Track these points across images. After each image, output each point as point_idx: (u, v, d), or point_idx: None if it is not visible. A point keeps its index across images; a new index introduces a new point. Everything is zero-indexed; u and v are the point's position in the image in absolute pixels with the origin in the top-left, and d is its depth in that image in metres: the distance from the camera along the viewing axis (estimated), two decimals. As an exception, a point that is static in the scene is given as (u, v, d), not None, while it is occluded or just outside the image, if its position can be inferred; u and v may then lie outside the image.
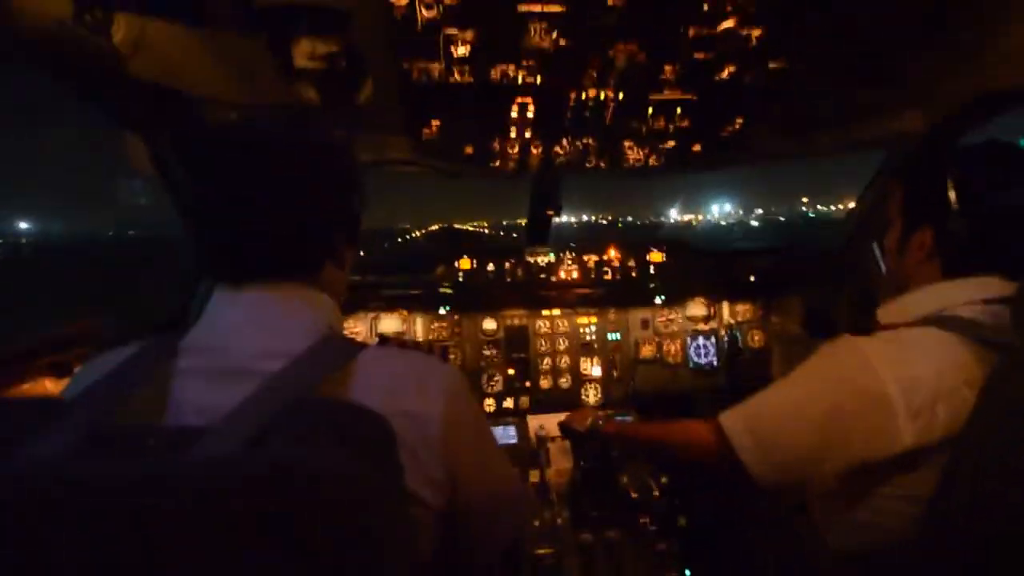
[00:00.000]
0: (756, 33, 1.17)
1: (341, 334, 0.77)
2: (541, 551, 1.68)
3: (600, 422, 1.63)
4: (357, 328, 2.25)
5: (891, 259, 1.17)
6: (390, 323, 2.25)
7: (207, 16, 1.03)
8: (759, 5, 1.08)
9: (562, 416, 1.86)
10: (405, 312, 2.26)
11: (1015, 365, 0.80)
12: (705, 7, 1.09)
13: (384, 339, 1.96)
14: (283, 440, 0.57)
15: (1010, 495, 0.73)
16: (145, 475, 0.53)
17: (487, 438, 0.86)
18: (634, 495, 1.74)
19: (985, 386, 0.86)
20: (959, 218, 1.02)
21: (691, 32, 1.17)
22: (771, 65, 1.29)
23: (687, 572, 1.71)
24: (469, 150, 1.62)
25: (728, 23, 1.14)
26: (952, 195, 1.02)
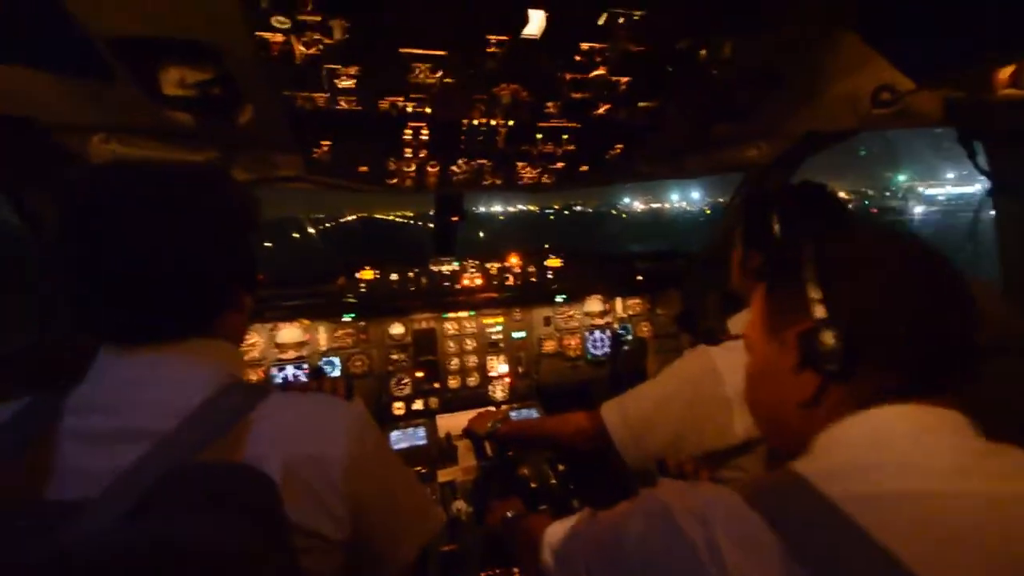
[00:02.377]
0: (624, 80, 1.29)
1: (242, 382, 0.74)
2: (446, 548, 1.81)
3: (498, 425, 1.77)
4: (254, 340, 2.17)
5: (736, 277, 1.38)
6: (290, 333, 2.19)
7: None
8: (625, 58, 1.19)
9: (471, 414, 2.00)
10: (306, 321, 2.21)
11: None
12: (577, 57, 1.18)
13: (286, 383, 1.90)
14: (162, 511, 0.56)
15: None
16: (13, 564, 0.52)
17: (391, 469, 0.86)
18: (533, 485, 1.92)
19: None
20: (780, 249, 1.23)
21: (567, 77, 1.26)
22: (640, 104, 1.43)
23: None
24: (363, 169, 1.61)
25: (599, 71, 1.25)
26: (776, 228, 1.23)
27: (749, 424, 1.14)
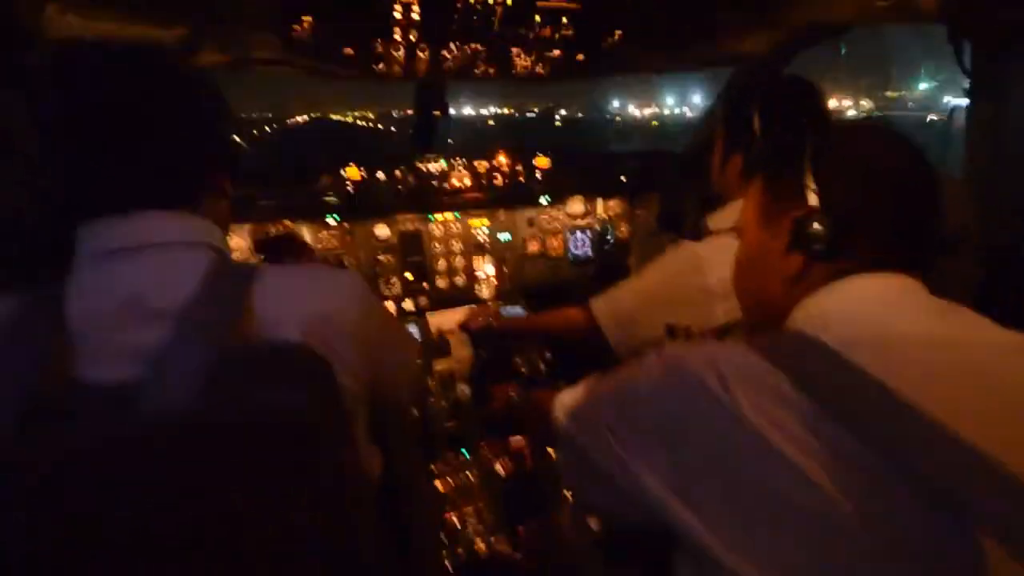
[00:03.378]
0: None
1: (229, 256, 0.76)
2: (449, 424, 2.00)
3: (492, 320, 1.88)
4: (234, 241, 2.11)
5: (715, 176, 1.41)
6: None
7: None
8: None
9: (460, 311, 2.10)
10: (289, 223, 2.15)
11: None
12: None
13: (268, 248, 1.87)
14: (235, 387, 0.59)
15: None
16: (110, 440, 0.56)
17: (389, 320, 1.02)
18: (524, 370, 2.10)
19: None
20: (761, 146, 1.27)
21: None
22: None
23: None
24: (349, 51, 1.49)
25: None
26: (756, 126, 1.26)
27: (729, 308, 1.26)
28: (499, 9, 1.42)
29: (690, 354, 0.63)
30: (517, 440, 1.99)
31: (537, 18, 1.48)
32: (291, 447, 0.61)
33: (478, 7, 1.39)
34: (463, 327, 1.94)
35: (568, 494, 1.84)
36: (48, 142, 0.68)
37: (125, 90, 0.67)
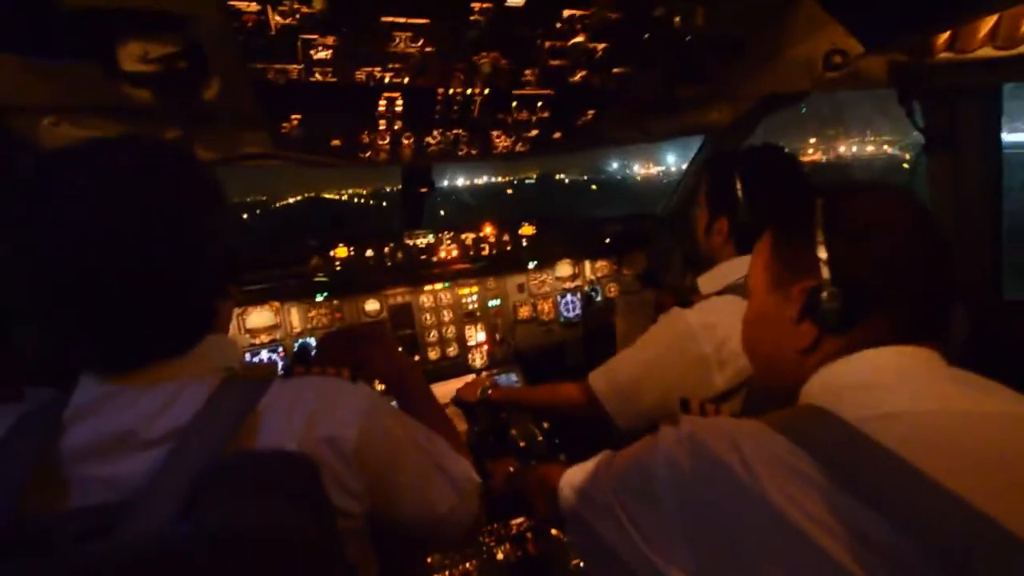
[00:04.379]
0: (601, 46, 1.31)
1: (241, 374, 0.71)
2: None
3: (488, 391, 1.84)
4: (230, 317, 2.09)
5: (701, 239, 1.46)
6: (261, 317, 2.12)
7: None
8: (604, 25, 1.21)
9: (453, 383, 2.06)
10: (277, 304, 2.15)
11: None
12: (558, 25, 1.19)
13: (296, 362, 1.84)
14: (212, 505, 0.57)
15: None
16: (79, 568, 0.52)
17: (409, 442, 0.84)
18: (522, 444, 2.03)
19: None
20: (745, 210, 1.32)
21: (547, 44, 1.26)
22: (614, 70, 1.46)
23: None
24: (336, 143, 1.55)
25: (578, 38, 1.26)
26: (739, 192, 1.32)
27: (727, 376, 1.25)
28: (478, 99, 1.50)
29: (705, 432, 0.61)
30: (518, 522, 1.89)
31: (514, 104, 1.57)
32: (272, 563, 0.57)
33: (458, 98, 1.47)
34: (456, 401, 1.90)
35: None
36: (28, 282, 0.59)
37: (119, 217, 0.59)
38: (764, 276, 0.77)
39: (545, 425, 2.11)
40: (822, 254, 0.65)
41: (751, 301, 0.82)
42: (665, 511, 0.61)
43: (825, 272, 0.64)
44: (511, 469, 1.44)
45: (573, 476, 0.91)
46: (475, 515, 0.93)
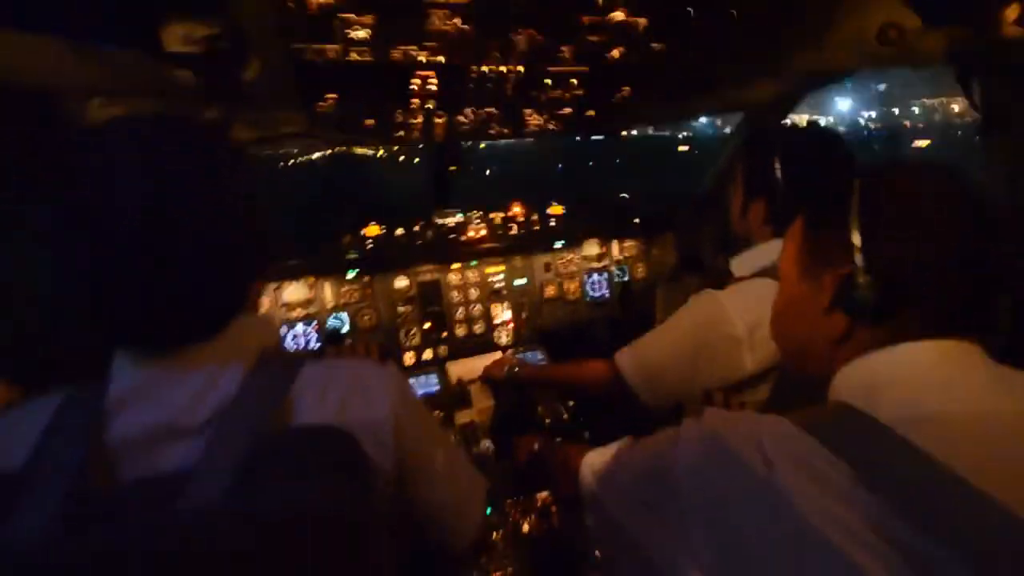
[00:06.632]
0: (642, 21, 1.27)
1: (275, 357, 0.72)
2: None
3: (516, 369, 1.86)
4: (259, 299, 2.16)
5: (735, 220, 1.43)
6: (297, 291, 2.18)
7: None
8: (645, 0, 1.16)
9: (479, 359, 2.10)
10: (312, 279, 2.20)
11: None
12: (599, 1, 1.15)
13: (327, 344, 1.88)
14: (264, 481, 0.59)
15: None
16: (150, 539, 0.56)
17: (434, 425, 0.87)
18: (548, 421, 2.07)
19: None
20: (785, 193, 1.28)
21: (586, 20, 1.23)
22: (653, 46, 1.41)
23: None
24: (370, 122, 1.56)
25: (618, 14, 1.22)
26: (778, 174, 1.27)
27: (759, 358, 1.24)
28: (512, 76, 1.48)
29: (728, 428, 0.59)
30: (543, 495, 1.94)
31: (548, 82, 1.54)
32: (332, 542, 0.61)
33: (492, 76, 1.45)
34: (484, 378, 1.93)
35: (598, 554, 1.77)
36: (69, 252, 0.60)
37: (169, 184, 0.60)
38: (795, 262, 0.73)
39: (571, 403, 2.15)
40: (856, 240, 0.60)
41: (781, 288, 0.78)
42: (684, 504, 0.60)
43: (859, 259, 0.60)
44: (535, 446, 1.46)
45: (594, 460, 0.91)
46: (482, 525, 0.94)
